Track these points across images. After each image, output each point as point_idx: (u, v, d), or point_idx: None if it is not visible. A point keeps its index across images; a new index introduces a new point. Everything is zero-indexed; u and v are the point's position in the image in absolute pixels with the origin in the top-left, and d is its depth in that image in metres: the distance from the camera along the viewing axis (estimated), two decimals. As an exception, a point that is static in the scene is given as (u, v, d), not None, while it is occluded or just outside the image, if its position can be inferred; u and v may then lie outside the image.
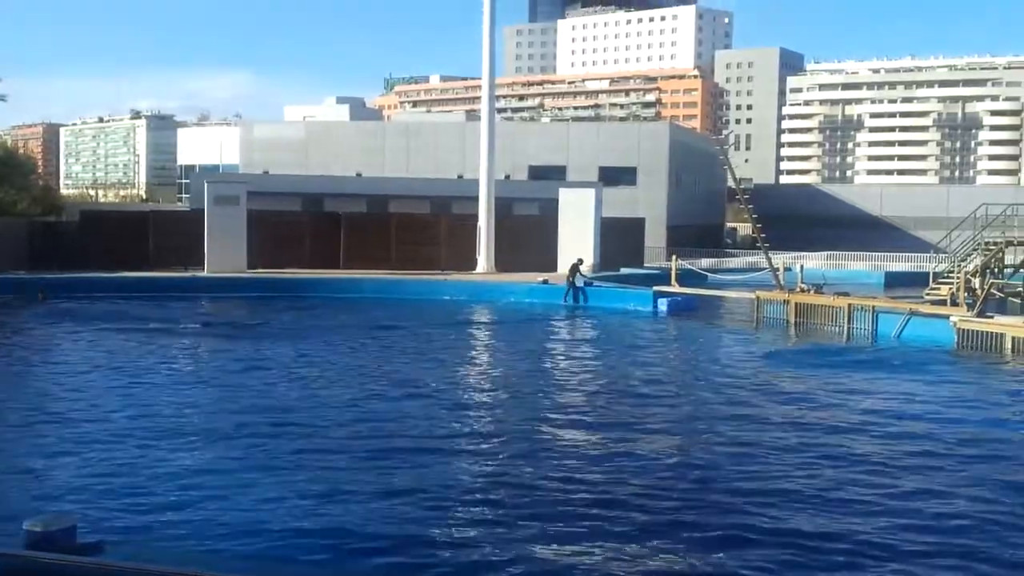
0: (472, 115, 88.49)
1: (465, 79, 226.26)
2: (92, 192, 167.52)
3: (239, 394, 19.71)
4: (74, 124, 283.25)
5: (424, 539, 11.18)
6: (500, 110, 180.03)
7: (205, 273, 42.83)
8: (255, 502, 12.40)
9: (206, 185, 45.52)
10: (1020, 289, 39.80)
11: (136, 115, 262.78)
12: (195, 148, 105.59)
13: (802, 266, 41.41)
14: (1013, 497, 13.28)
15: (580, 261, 41.28)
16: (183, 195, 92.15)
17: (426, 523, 11.72)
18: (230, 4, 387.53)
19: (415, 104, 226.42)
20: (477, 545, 11.04)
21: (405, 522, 11.75)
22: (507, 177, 60.71)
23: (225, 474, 13.60)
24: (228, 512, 12.00)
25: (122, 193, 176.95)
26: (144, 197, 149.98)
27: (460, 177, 61.09)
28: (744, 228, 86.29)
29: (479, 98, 51.84)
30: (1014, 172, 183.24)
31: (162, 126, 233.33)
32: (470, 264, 46.92)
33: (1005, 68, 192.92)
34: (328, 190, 55.38)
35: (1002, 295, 36.56)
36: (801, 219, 78.02)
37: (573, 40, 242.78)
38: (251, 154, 74.96)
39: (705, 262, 56.00)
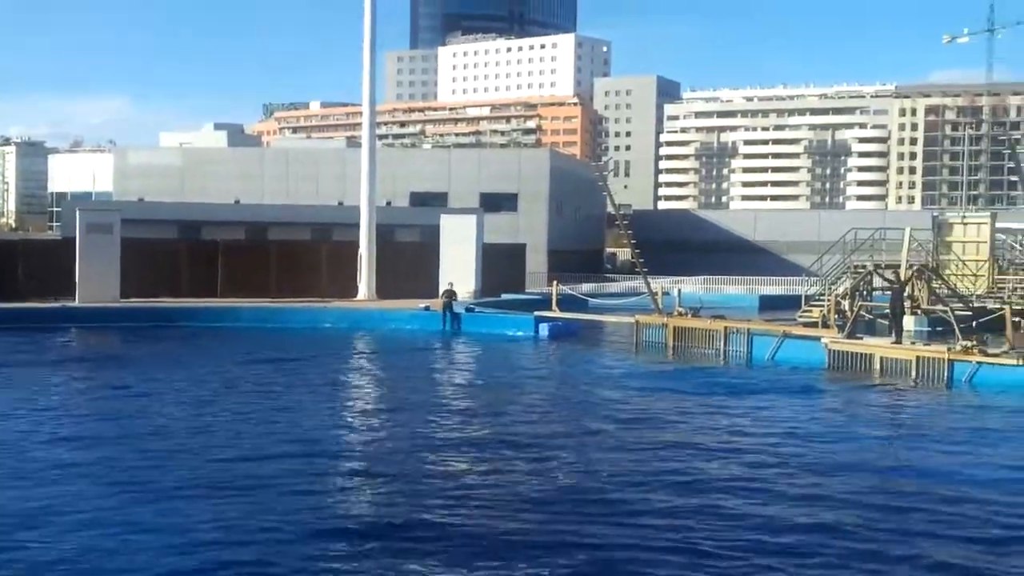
0: (353, 141, 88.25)
1: (346, 105, 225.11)
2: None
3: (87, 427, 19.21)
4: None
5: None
6: (381, 136, 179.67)
7: (76, 303, 41.65)
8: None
9: (78, 213, 44.34)
10: (888, 311, 41.03)
11: (5, 141, 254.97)
12: (67, 175, 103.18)
13: (680, 290, 42.12)
14: (865, 514, 13.66)
15: (451, 285, 41.26)
16: (54, 223, 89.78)
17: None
18: (102, 28, 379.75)
19: (295, 130, 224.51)
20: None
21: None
22: (388, 204, 60.57)
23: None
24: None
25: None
26: (13, 226, 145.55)
27: (341, 204, 60.74)
28: (624, 253, 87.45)
29: (360, 124, 51.66)
30: (881, 197, 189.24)
31: (32, 152, 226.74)
32: (351, 291, 46.58)
33: (872, 97, 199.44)
34: (205, 217, 54.52)
35: (871, 317, 37.64)
36: (679, 244, 79.48)
37: (454, 67, 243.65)
38: (126, 181, 73.50)
39: (586, 287, 56.59)
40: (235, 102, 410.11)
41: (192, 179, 72.25)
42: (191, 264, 46.71)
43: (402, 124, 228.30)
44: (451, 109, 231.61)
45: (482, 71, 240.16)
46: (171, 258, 46.66)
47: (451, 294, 40.62)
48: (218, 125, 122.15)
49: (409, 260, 48.75)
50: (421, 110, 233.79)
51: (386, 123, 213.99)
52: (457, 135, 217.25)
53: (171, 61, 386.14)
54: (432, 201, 67.71)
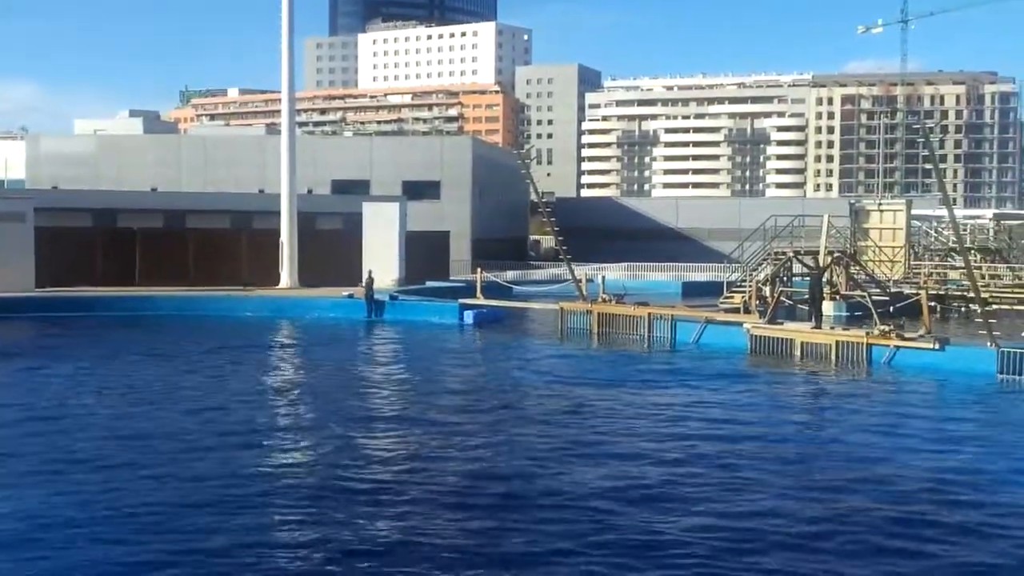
0: (272, 129, 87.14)
1: (265, 92, 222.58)
2: None
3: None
4: None
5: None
6: (301, 124, 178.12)
7: (-11, 293, 40.59)
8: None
9: (-11, 201, 43.22)
10: (807, 296, 41.56)
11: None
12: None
13: (604, 277, 42.23)
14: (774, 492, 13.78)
15: (371, 273, 40.91)
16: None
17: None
18: (11, 12, 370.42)
19: (213, 118, 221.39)
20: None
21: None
22: (310, 192, 59.92)
23: None
24: None
25: None
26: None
27: (261, 191, 59.95)
28: (547, 241, 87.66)
29: (279, 111, 50.97)
30: (800, 185, 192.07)
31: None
32: (273, 280, 46.02)
33: (790, 86, 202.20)
34: (122, 205, 53.37)
35: (791, 303, 38.10)
36: (602, 231, 79.77)
37: (375, 54, 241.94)
38: (39, 169, 71.84)
39: (510, 275, 56.57)
40: (151, 89, 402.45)
41: (107, 167, 70.79)
42: (108, 253, 45.80)
43: (322, 111, 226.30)
44: (372, 96, 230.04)
45: (403, 58, 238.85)
46: (87, 247, 45.70)
47: (370, 281, 40.27)
48: (134, 112, 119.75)
49: (331, 248, 48.28)
50: (342, 97, 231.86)
51: (306, 110, 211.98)
52: (379, 123, 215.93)
53: (83, 46, 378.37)
54: (354, 189, 67.12)
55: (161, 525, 12.08)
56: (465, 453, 16.21)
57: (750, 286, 39.24)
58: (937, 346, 26.73)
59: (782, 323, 31.44)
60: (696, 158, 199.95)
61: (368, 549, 11.30)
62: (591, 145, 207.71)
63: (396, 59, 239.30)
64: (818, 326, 30.39)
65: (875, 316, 30.05)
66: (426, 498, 13.39)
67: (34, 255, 42.30)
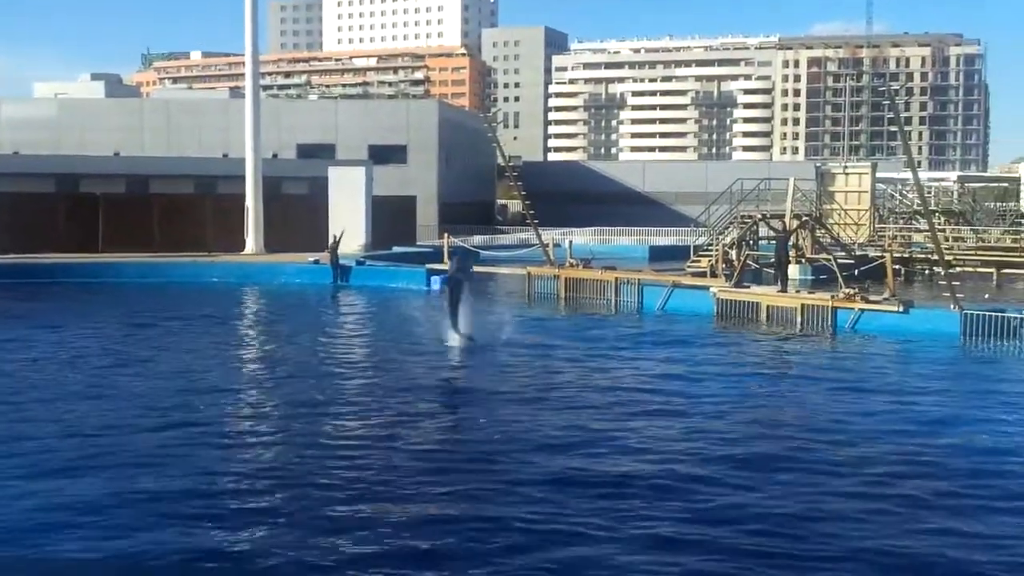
0: (236, 92, 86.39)
1: (228, 55, 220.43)
2: None
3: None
4: None
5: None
6: (266, 87, 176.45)
7: (-51, 260, 40.16)
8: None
9: (-52, 166, 42.65)
10: (773, 260, 41.79)
11: None
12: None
13: (571, 242, 42.18)
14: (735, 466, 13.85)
15: (336, 237, 40.50)
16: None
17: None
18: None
19: (175, 81, 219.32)
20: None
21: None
22: (275, 156, 59.47)
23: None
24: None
25: None
26: None
27: (225, 156, 59.41)
28: (515, 205, 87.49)
29: (243, 75, 50.49)
30: (766, 148, 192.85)
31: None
32: (238, 245, 45.74)
33: (756, 48, 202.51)
34: (84, 170, 52.74)
35: (757, 266, 38.27)
36: (569, 195, 79.68)
37: (339, 16, 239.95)
38: (-1, 133, 70.91)
39: (477, 239, 56.46)
40: (112, 51, 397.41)
41: (69, 131, 69.93)
42: (70, 218, 45.38)
43: (287, 75, 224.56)
44: (337, 60, 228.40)
45: (368, 21, 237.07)
46: (49, 213, 45.24)
47: (336, 244, 39.94)
48: (95, 75, 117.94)
49: (297, 213, 47.99)
50: (306, 60, 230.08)
51: (270, 73, 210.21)
52: (344, 86, 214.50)
53: (42, 8, 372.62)
54: (319, 153, 66.70)
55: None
56: (426, 431, 16.15)
57: (716, 250, 39.38)
58: (901, 309, 26.91)
59: (748, 287, 31.56)
60: (663, 121, 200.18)
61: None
62: (558, 108, 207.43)
63: (361, 21, 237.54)
64: (784, 290, 30.52)
65: (840, 279, 30.22)
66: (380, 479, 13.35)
67: (-5, 221, 41.86)
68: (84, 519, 11.04)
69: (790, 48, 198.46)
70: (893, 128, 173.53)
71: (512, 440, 14.68)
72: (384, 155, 67.44)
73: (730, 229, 44.07)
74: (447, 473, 13.01)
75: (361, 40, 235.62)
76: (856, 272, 34.10)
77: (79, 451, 13.86)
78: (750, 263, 36.97)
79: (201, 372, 20.31)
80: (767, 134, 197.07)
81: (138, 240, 44.91)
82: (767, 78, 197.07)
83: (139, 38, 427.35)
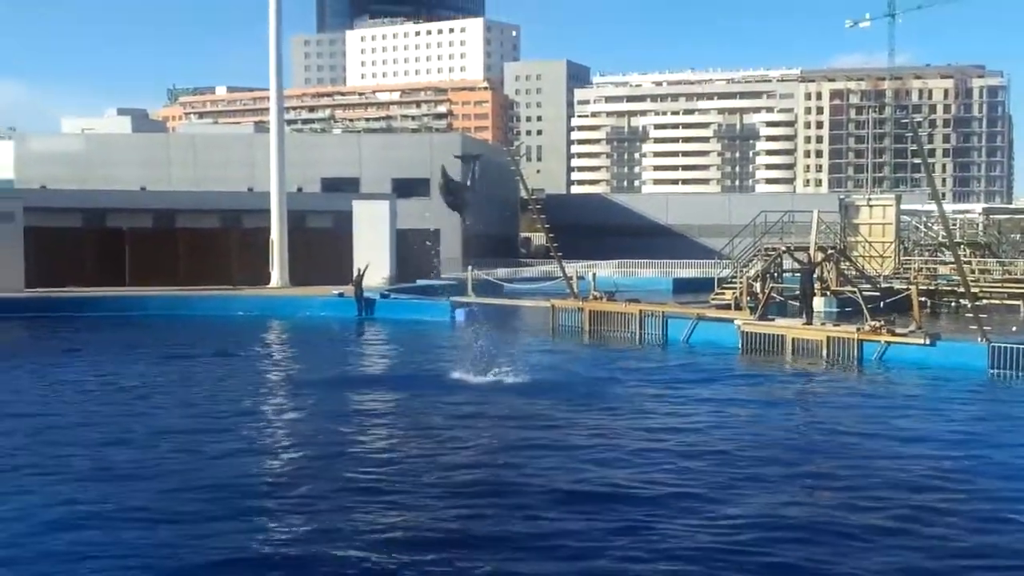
0: (261, 127, 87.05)
1: (253, 90, 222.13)
2: None
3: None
4: None
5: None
6: (290, 122, 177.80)
7: (-22, 294, 40.51)
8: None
9: (-23, 201, 43.09)
10: (798, 292, 41.65)
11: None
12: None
13: (594, 274, 42.26)
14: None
15: (360, 270, 40.63)
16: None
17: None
18: None
19: (201, 116, 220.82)
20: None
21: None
22: (299, 190, 59.80)
23: None
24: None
25: None
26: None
27: (250, 190, 59.82)
28: (538, 238, 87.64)
29: (268, 109, 50.88)
30: (789, 180, 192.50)
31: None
32: (263, 279, 45.95)
33: (778, 81, 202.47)
34: (111, 204, 53.19)
35: (782, 299, 38.13)
36: (592, 228, 79.80)
37: (363, 51, 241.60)
38: (27, 168, 71.66)
39: (501, 272, 56.61)
40: (138, 87, 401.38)
41: (96, 165, 70.62)
42: (97, 252, 45.77)
43: (311, 109, 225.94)
44: (360, 94, 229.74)
45: (391, 55, 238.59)
46: (76, 246, 45.66)
47: (360, 278, 40.06)
48: (121, 110, 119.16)
49: (321, 247, 48.24)
50: (330, 95, 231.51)
51: (295, 108, 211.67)
52: (367, 120, 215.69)
53: (69, 44, 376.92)
54: (343, 187, 67.05)
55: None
56: (445, 455, 16.14)
57: (741, 282, 39.29)
58: (928, 341, 26.75)
59: (773, 319, 31.46)
60: (686, 154, 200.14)
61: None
62: (581, 141, 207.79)
63: (384, 56, 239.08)
64: (809, 322, 30.40)
65: (866, 312, 30.08)
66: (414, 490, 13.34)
67: (23, 255, 42.21)
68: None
69: (812, 80, 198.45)
70: (917, 160, 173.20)
71: (544, 474, 14.66)
72: (407, 188, 67.68)
73: (754, 261, 43.96)
74: (475, 496, 13.01)
75: (384, 75, 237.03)
76: (882, 304, 33.96)
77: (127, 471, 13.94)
78: (775, 295, 36.85)
79: (233, 402, 20.38)
80: (790, 166, 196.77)
81: (164, 274, 45.22)
82: (789, 110, 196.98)
83: (165, 73, 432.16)
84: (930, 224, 57.79)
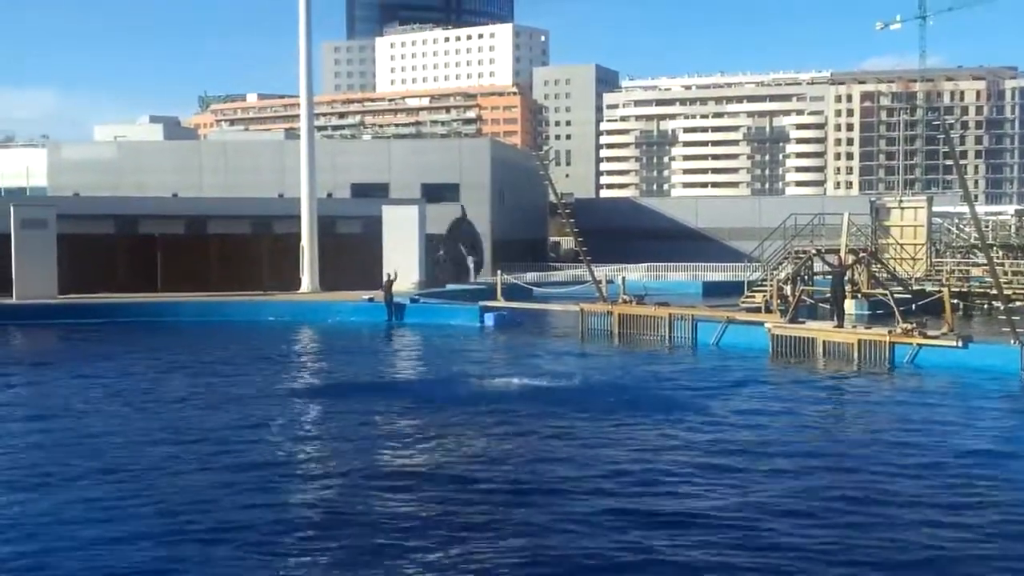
0: (291, 133, 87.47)
1: (283, 97, 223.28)
2: None
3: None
4: None
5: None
6: (320, 128, 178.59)
7: (14, 300, 40.93)
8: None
9: (12, 208, 43.51)
10: (829, 295, 41.43)
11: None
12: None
13: (624, 278, 42.17)
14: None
15: (390, 276, 40.82)
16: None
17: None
18: (26, 20, 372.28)
19: (232, 123, 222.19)
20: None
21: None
22: (329, 195, 60.07)
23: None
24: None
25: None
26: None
27: (281, 196, 60.10)
28: (567, 242, 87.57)
29: (298, 116, 51.15)
30: (820, 183, 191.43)
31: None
32: (293, 284, 46.19)
33: (808, 84, 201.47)
34: (143, 211, 53.61)
35: (812, 301, 37.95)
36: (621, 232, 79.62)
37: (392, 57, 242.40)
38: (60, 176, 72.29)
39: (530, 276, 56.57)
40: (170, 94, 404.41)
41: (128, 173, 71.19)
42: (129, 259, 46.17)
43: (341, 115, 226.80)
44: (390, 100, 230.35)
45: (420, 61, 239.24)
46: (109, 253, 46.06)
47: (390, 284, 40.23)
48: (153, 118, 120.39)
49: (351, 252, 48.43)
50: (360, 101, 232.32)
51: (325, 114, 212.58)
52: (397, 125, 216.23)
53: (101, 53, 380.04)
54: (373, 192, 67.29)
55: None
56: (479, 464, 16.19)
57: (771, 285, 39.12)
58: (960, 344, 26.57)
59: (804, 322, 31.33)
60: (715, 157, 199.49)
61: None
62: (609, 146, 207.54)
63: (413, 62, 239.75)
64: (840, 325, 30.27)
65: (897, 314, 29.89)
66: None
67: (57, 262, 42.62)
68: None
69: (842, 83, 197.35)
70: (948, 162, 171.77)
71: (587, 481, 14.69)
72: (437, 193, 67.83)
73: (784, 264, 43.80)
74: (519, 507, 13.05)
75: (414, 80, 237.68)
76: (913, 307, 33.72)
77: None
78: (805, 298, 36.68)
79: (265, 407, 20.52)
80: (820, 169, 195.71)
81: (195, 279, 45.53)
82: (819, 113, 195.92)
83: (196, 81, 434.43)
84: (962, 226, 57.34)
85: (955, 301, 34.84)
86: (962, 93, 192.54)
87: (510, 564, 10.95)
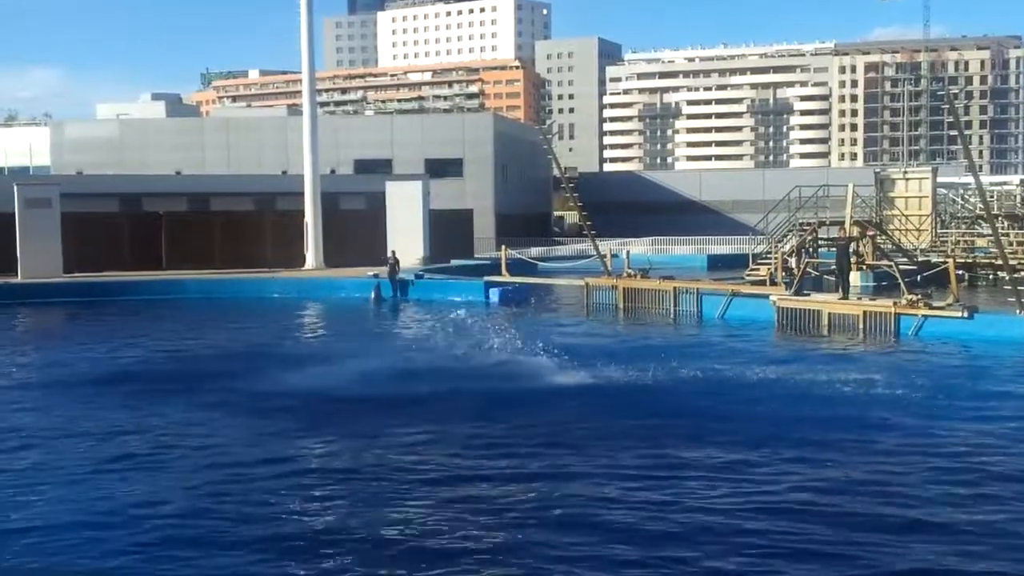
0: (294, 109, 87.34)
1: (285, 73, 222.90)
2: None
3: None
4: None
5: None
6: (322, 104, 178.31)
7: (19, 279, 40.99)
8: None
9: (16, 187, 43.49)
10: (834, 267, 41.41)
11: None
12: (2, 150, 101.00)
13: (628, 252, 42.18)
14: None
15: (393, 254, 40.88)
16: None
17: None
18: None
19: (234, 99, 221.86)
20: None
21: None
22: (332, 172, 60.08)
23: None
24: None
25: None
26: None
27: (284, 173, 60.18)
28: (571, 216, 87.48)
29: (300, 92, 51.11)
30: (824, 155, 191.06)
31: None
32: (298, 261, 46.21)
33: (812, 55, 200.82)
34: (147, 189, 53.72)
35: (817, 273, 37.92)
36: (625, 206, 79.59)
37: (394, 32, 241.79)
38: (63, 154, 72.37)
39: (534, 251, 56.58)
40: (172, 71, 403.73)
41: (131, 150, 71.22)
42: (134, 237, 46.15)
43: (343, 91, 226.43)
44: (392, 75, 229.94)
45: (422, 36, 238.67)
46: (113, 231, 46.03)
47: (393, 260, 40.24)
48: (155, 95, 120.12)
49: (356, 228, 48.42)
50: (362, 76, 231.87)
51: (327, 90, 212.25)
52: (399, 101, 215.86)
53: (103, 31, 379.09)
54: (376, 168, 67.30)
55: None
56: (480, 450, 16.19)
57: (775, 258, 39.08)
58: (965, 314, 26.55)
59: (809, 294, 31.33)
60: (719, 130, 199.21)
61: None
62: (613, 119, 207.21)
63: (415, 37, 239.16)
64: (845, 297, 30.25)
65: (903, 286, 29.86)
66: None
67: (61, 241, 42.63)
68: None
69: (846, 54, 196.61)
70: (953, 132, 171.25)
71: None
72: (440, 169, 67.84)
73: (789, 236, 43.72)
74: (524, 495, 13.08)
75: (416, 55, 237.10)
76: (919, 278, 33.70)
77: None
78: (810, 271, 36.65)
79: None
80: (824, 140, 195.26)
81: (200, 257, 45.53)
82: (823, 84, 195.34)
83: (198, 58, 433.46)
84: (967, 196, 57.26)
85: (960, 272, 34.77)
86: (966, 63, 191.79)
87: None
